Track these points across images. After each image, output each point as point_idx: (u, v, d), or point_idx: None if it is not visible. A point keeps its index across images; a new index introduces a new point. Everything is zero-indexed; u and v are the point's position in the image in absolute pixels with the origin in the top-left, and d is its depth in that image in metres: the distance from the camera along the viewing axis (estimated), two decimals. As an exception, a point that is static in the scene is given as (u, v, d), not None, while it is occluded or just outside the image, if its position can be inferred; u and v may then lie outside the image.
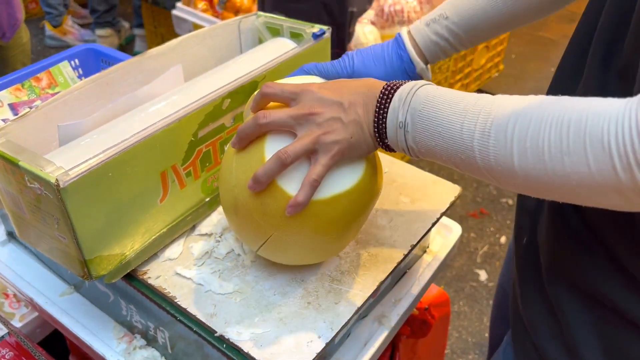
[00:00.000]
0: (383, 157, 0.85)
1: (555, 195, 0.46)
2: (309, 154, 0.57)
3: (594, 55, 0.54)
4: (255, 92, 0.66)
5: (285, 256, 0.65)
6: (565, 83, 0.61)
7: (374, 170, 0.62)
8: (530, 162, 0.44)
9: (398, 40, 0.72)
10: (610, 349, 0.55)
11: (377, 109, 0.55)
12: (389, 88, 0.55)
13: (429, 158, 0.54)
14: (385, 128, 0.55)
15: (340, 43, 1.96)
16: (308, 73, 0.70)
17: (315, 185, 0.56)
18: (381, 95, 0.55)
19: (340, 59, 0.71)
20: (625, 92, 0.47)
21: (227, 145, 0.65)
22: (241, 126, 0.59)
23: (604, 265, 0.53)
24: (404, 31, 0.73)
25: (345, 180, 0.59)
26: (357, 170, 0.60)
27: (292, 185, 0.57)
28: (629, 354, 0.54)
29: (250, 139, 0.59)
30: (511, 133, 0.45)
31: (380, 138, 0.56)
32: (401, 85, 0.55)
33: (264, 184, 0.57)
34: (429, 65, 0.73)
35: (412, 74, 0.72)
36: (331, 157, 0.56)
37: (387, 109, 0.55)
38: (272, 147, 0.58)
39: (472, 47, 0.74)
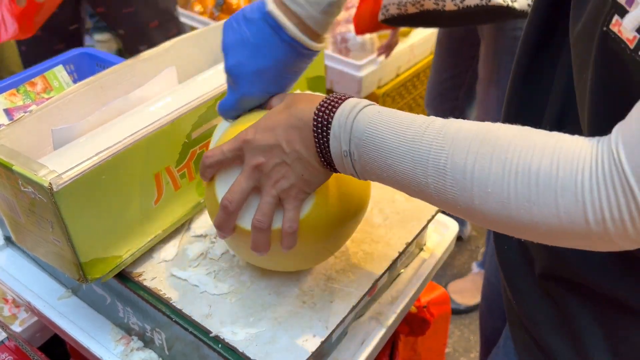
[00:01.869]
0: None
1: (518, 235, 0.44)
2: (277, 201, 0.56)
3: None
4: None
5: (270, 266, 0.67)
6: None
7: (330, 193, 0.60)
8: (493, 207, 0.42)
9: (292, 44, 0.59)
10: (614, 336, 0.54)
11: (317, 141, 0.52)
12: (321, 114, 0.51)
13: (383, 183, 0.51)
14: (331, 157, 0.52)
15: None
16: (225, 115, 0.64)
17: (294, 229, 0.56)
18: (315, 124, 0.51)
19: (239, 88, 0.61)
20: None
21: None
22: (216, 222, 0.58)
23: (601, 258, 0.53)
24: (289, 27, 0.58)
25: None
26: (307, 201, 0.59)
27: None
28: (634, 341, 0.53)
29: (227, 224, 0.58)
30: (470, 174, 0.42)
31: (330, 166, 0.54)
32: (336, 106, 0.51)
33: (261, 250, 0.58)
34: None
35: (314, 55, 0.62)
36: (294, 199, 0.55)
37: (327, 139, 0.51)
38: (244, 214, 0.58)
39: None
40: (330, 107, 0.51)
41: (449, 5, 1.14)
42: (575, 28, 0.49)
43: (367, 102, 0.51)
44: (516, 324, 0.65)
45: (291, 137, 0.53)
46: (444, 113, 1.72)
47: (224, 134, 0.63)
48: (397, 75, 2.00)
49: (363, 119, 0.49)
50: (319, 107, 0.52)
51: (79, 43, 1.95)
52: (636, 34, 0.39)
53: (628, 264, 0.51)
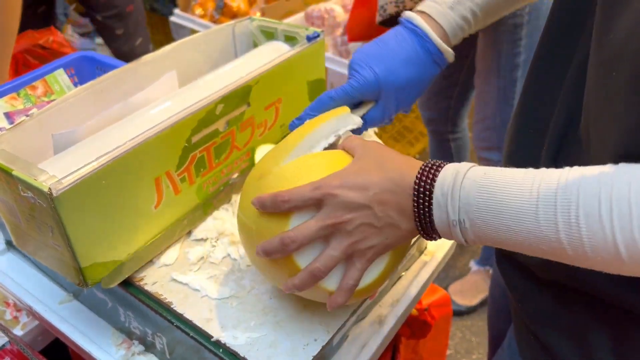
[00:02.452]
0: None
1: None
2: (344, 258, 0.54)
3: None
4: (253, 177, 0.62)
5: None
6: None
7: (398, 254, 0.60)
8: None
9: (417, 31, 0.65)
10: (619, 336, 0.54)
11: (417, 211, 0.50)
12: (422, 184, 0.50)
13: (499, 247, 0.49)
14: (433, 226, 0.50)
15: None
16: (327, 103, 0.65)
17: (353, 289, 0.55)
18: (416, 194, 0.50)
19: (355, 73, 0.64)
20: None
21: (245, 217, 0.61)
22: (267, 245, 0.55)
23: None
24: (418, 19, 0.65)
25: (369, 274, 0.58)
26: (382, 260, 0.58)
27: (328, 281, 0.56)
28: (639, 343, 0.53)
29: (278, 258, 0.56)
30: (609, 223, 0.40)
31: (427, 234, 0.52)
32: (436, 174, 0.50)
33: (299, 290, 0.56)
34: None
35: (442, 64, 0.67)
36: (367, 261, 0.54)
37: (430, 209, 0.49)
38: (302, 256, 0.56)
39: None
40: (431, 175, 0.50)
41: None
42: (605, 37, 0.47)
43: (466, 165, 0.50)
44: (520, 323, 0.65)
45: (386, 201, 0.51)
46: (439, 113, 1.72)
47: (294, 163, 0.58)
48: (398, 77, 2.00)
49: (470, 184, 0.48)
50: (419, 175, 0.50)
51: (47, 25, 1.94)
52: None
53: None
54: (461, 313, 1.77)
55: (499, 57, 1.36)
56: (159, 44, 2.77)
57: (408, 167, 0.52)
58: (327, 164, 0.57)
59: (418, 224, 0.51)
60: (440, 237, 0.52)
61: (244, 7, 2.25)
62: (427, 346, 1.04)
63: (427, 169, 0.50)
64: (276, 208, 0.54)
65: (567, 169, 0.44)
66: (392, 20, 1.30)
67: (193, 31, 2.18)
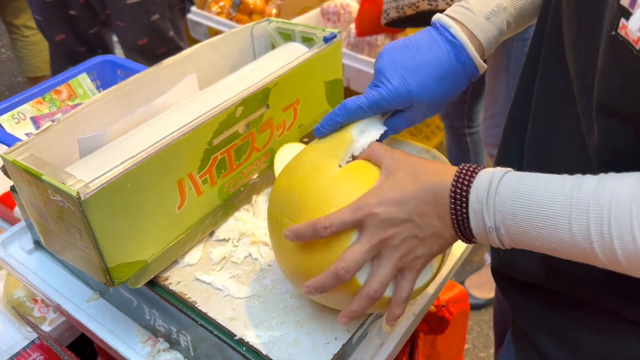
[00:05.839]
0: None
1: None
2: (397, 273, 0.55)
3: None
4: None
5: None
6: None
7: (441, 256, 0.61)
8: None
9: (455, 43, 0.61)
10: (609, 346, 0.54)
11: (455, 219, 0.51)
12: (457, 191, 0.50)
13: (536, 251, 0.49)
14: (471, 232, 0.51)
15: None
16: (355, 113, 0.62)
17: (407, 300, 0.56)
18: (453, 201, 0.50)
19: (386, 82, 0.60)
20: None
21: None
22: (320, 280, 0.55)
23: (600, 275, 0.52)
24: (456, 30, 0.61)
25: (419, 281, 0.59)
26: (430, 266, 0.60)
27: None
28: (629, 354, 0.53)
29: (333, 289, 0.56)
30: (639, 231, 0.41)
31: (468, 239, 0.52)
32: (471, 181, 0.50)
33: (356, 317, 0.57)
34: None
35: (474, 78, 0.65)
36: (416, 272, 0.55)
37: (467, 215, 0.50)
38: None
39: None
40: (466, 181, 0.50)
41: (441, 5, 1.18)
42: (569, 35, 0.50)
43: (501, 171, 0.50)
44: (517, 327, 0.65)
45: (425, 212, 0.52)
46: (454, 108, 1.73)
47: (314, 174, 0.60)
48: (414, 72, 2.00)
49: (504, 192, 0.48)
50: (454, 183, 0.51)
51: (100, 46, 2.01)
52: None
53: (625, 282, 0.50)
54: (479, 306, 1.77)
55: (509, 55, 1.37)
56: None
57: (442, 175, 0.52)
58: (358, 180, 0.58)
59: (458, 231, 0.51)
60: (475, 242, 0.53)
61: (260, 4, 2.25)
62: (445, 341, 1.05)
63: (462, 175, 0.50)
64: (317, 236, 0.54)
65: (601, 175, 0.45)
66: (395, 22, 1.33)
67: (210, 28, 2.20)
